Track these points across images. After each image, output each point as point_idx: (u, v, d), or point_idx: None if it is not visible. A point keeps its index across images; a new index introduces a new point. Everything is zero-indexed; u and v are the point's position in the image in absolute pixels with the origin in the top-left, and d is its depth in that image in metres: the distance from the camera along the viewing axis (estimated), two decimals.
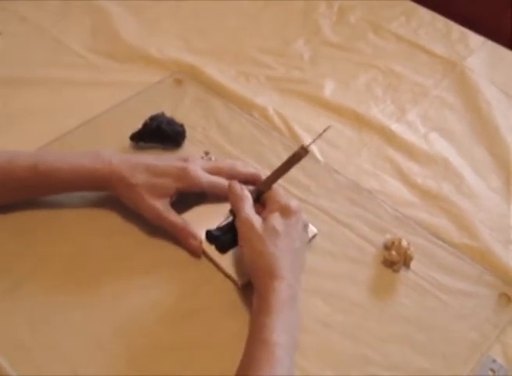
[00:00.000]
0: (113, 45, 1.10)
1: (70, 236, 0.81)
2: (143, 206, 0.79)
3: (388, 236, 0.84)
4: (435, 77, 1.13)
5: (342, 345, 0.74)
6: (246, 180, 0.84)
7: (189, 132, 0.94)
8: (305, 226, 0.79)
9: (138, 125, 0.92)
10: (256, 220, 0.75)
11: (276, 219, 0.75)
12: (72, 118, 0.95)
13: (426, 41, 1.19)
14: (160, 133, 0.91)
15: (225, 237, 0.79)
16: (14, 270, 0.76)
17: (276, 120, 1.00)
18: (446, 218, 0.89)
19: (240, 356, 0.67)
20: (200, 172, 0.81)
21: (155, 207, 0.79)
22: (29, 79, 1.02)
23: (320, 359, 0.73)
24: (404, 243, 0.82)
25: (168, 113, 0.94)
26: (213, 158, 0.91)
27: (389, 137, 1.00)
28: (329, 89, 1.07)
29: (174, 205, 0.81)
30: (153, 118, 0.92)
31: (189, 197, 0.83)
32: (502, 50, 1.20)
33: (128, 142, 0.92)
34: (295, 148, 0.77)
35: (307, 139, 0.96)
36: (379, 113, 1.04)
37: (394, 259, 0.81)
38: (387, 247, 0.83)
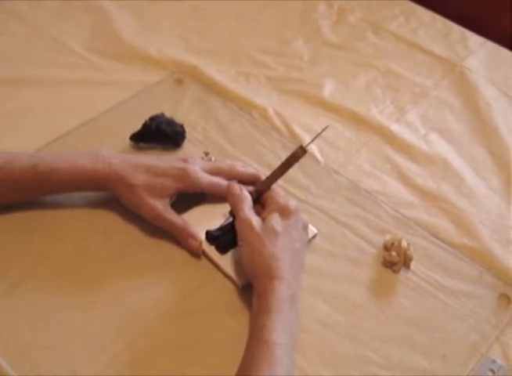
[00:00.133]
0: (113, 45, 1.10)
1: (69, 236, 0.81)
2: (143, 206, 0.79)
3: (388, 237, 0.84)
4: (435, 78, 1.13)
5: (342, 345, 0.74)
6: (246, 180, 0.84)
7: (188, 132, 0.94)
8: (304, 226, 0.79)
9: (137, 126, 0.92)
10: (255, 220, 0.75)
11: (275, 219, 0.75)
12: (72, 118, 0.95)
13: (425, 42, 1.19)
14: (160, 133, 0.91)
15: (225, 238, 0.79)
16: (13, 270, 0.76)
17: (276, 120, 1.00)
18: (446, 218, 0.89)
19: (240, 356, 0.67)
20: (199, 173, 0.81)
21: (155, 207, 0.79)
22: (29, 79, 1.02)
23: (320, 360, 0.73)
24: (404, 243, 0.82)
25: (168, 114, 0.94)
26: (213, 158, 0.91)
27: (389, 137, 1.00)
28: (328, 89, 1.07)
29: (174, 205, 0.81)
30: (152, 118, 0.92)
31: (188, 197, 0.83)
32: (501, 50, 1.20)
33: (127, 142, 0.92)
34: (294, 148, 0.77)
35: (306, 139, 0.96)
36: (378, 113, 1.04)
37: (394, 260, 0.81)
38: (387, 248, 0.83)
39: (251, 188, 0.81)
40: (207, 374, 0.69)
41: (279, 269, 0.71)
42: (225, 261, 0.79)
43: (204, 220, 0.81)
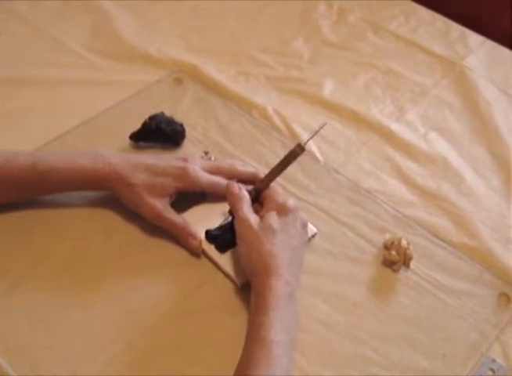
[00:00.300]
0: (113, 45, 1.10)
1: (69, 236, 0.81)
2: (143, 206, 0.79)
3: (388, 236, 0.84)
4: (435, 77, 1.13)
5: (342, 344, 0.74)
6: (246, 179, 0.84)
7: (188, 132, 0.94)
8: (304, 225, 0.79)
9: (137, 125, 0.92)
10: (253, 219, 0.75)
11: (273, 218, 0.75)
12: (71, 118, 0.95)
13: (425, 41, 1.19)
14: (160, 133, 0.91)
15: (225, 237, 0.79)
16: (13, 270, 0.76)
17: (276, 119, 1.00)
18: (446, 217, 0.89)
19: (240, 355, 0.67)
20: (199, 172, 0.81)
21: (155, 206, 0.79)
22: (28, 79, 1.02)
23: (320, 359, 0.73)
24: (404, 242, 0.82)
25: (168, 113, 0.94)
26: (212, 158, 0.91)
27: (388, 137, 1.00)
28: (328, 89, 1.07)
29: (173, 205, 0.81)
30: (152, 118, 0.92)
31: (188, 196, 0.82)
32: (501, 50, 1.20)
33: (127, 141, 0.92)
34: (298, 148, 0.77)
35: (306, 138, 0.95)
36: (378, 112, 1.04)
37: (394, 259, 0.81)
38: (387, 247, 0.83)
39: (251, 187, 0.81)
40: (207, 373, 0.69)
41: (277, 266, 0.71)
42: (225, 260, 0.79)
43: (204, 219, 0.81)
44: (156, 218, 0.79)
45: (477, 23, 1.24)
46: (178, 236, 0.80)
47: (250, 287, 0.73)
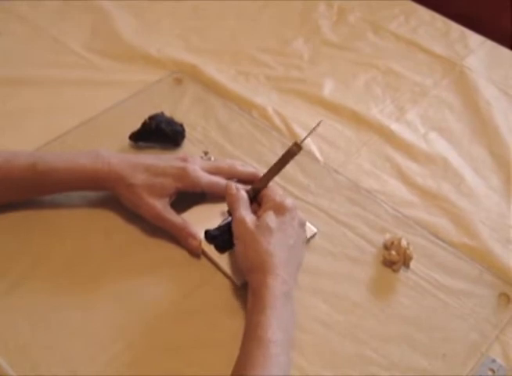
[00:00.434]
0: (113, 45, 1.10)
1: (69, 236, 0.81)
2: (143, 206, 0.79)
3: (388, 236, 0.84)
4: (435, 77, 1.13)
5: (342, 344, 0.74)
6: (246, 180, 0.84)
7: (188, 132, 0.94)
8: (302, 224, 0.79)
9: (137, 125, 0.92)
10: (249, 219, 0.75)
11: (270, 217, 0.75)
12: (71, 118, 0.95)
13: (425, 41, 1.19)
14: (160, 133, 0.91)
15: (224, 237, 0.79)
16: (13, 270, 0.76)
17: (276, 119, 1.00)
18: (446, 217, 0.89)
19: None
20: (199, 172, 0.81)
21: (154, 206, 0.79)
22: (28, 79, 1.02)
23: (320, 359, 0.73)
24: (403, 242, 0.82)
25: (168, 113, 0.94)
26: (212, 158, 0.91)
27: (388, 137, 1.00)
28: (328, 89, 1.07)
29: (173, 205, 0.81)
30: (152, 118, 0.92)
31: (188, 196, 0.82)
32: (501, 50, 1.20)
33: (127, 141, 0.92)
34: (295, 147, 0.77)
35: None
36: (378, 112, 1.04)
37: (394, 259, 0.81)
38: (387, 247, 0.83)
39: (250, 187, 0.81)
40: (206, 373, 0.69)
41: (274, 265, 0.71)
42: (225, 260, 0.79)
43: (204, 219, 0.81)
44: (156, 219, 0.79)
45: (477, 23, 1.24)
46: (177, 237, 0.80)
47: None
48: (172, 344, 0.72)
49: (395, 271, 0.82)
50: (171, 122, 0.93)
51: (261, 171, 0.85)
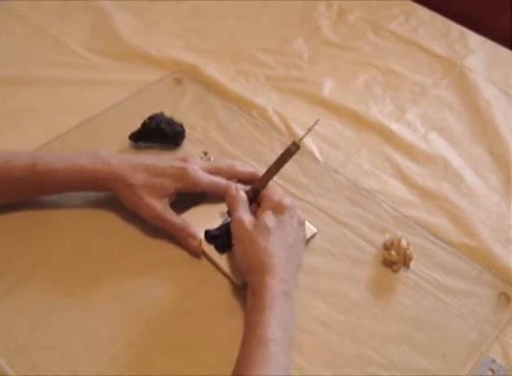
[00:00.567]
0: (113, 45, 1.10)
1: (69, 236, 0.81)
2: (142, 206, 0.79)
3: (388, 236, 0.84)
4: (434, 77, 1.13)
5: (342, 344, 0.74)
6: (246, 180, 0.84)
7: (188, 132, 0.94)
8: (301, 223, 0.79)
9: (137, 125, 0.92)
10: (247, 219, 0.75)
11: (268, 216, 0.75)
12: (71, 118, 0.95)
13: (425, 41, 1.19)
14: (160, 133, 0.91)
15: (224, 237, 0.79)
16: (13, 270, 0.76)
17: (276, 119, 1.00)
18: (446, 217, 0.89)
19: None
20: (199, 172, 0.81)
21: (154, 207, 0.79)
22: (28, 79, 1.02)
23: (320, 359, 0.73)
24: (403, 243, 0.82)
25: (167, 113, 0.94)
26: (212, 158, 0.91)
27: (388, 137, 1.00)
28: (328, 89, 1.07)
29: (173, 205, 0.81)
30: (152, 118, 0.92)
31: (188, 197, 0.82)
32: (501, 49, 1.20)
33: (127, 141, 0.92)
34: (293, 146, 0.77)
35: (305, 138, 0.95)
36: (378, 112, 1.04)
37: (394, 259, 0.81)
38: (387, 247, 0.83)
39: (249, 187, 0.81)
40: (206, 373, 0.69)
41: (273, 264, 0.71)
42: (225, 260, 0.79)
43: (204, 220, 0.81)
44: (156, 219, 0.79)
45: (477, 23, 1.24)
46: (177, 237, 0.80)
47: None
48: (172, 344, 0.72)
49: (395, 271, 0.82)
50: (170, 122, 0.93)
51: (261, 171, 0.85)
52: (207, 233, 0.80)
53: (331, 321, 0.76)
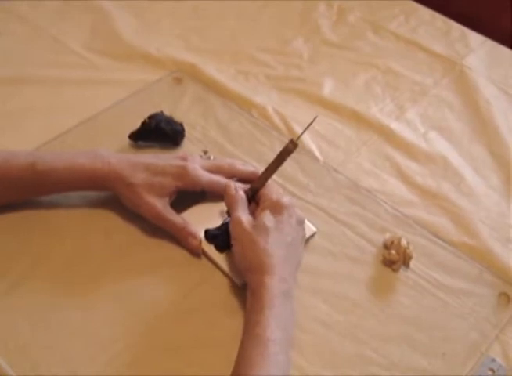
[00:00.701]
0: (113, 44, 1.10)
1: (69, 236, 0.81)
2: (142, 205, 0.79)
3: (388, 236, 0.84)
4: (435, 76, 1.13)
5: (342, 344, 0.74)
6: (246, 178, 0.84)
7: (188, 131, 0.94)
8: (300, 221, 0.79)
9: (137, 124, 0.92)
10: (246, 219, 0.75)
11: (267, 216, 0.75)
12: (71, 117, 0.95)
13: (425, 40, 1.19)
14: (159, 132, 0.91)
15: (224, 236, 0.79)
16: (13, 270, 0.76)
17: (275, 119, 1.00)
18: (446, 217, 0.89)
19: None
20: (199, 171, 0.81)
21: (154, 206, 0.79)
22: (28, 78, 1.02)
23: (320, 359, 0.73)
24: (403, 242, 0.82)
25: (167, 112, 0.94)
26: (211, 157, 0.91)
27: (388, 136, 1.00)
28: (328, 88, 1.07)
29: (173, 204, 0.81)
30: (152, 117, 0.92)
31: (187, 196, 0.82)
32: (501, 49, 1.20)
33: (126, 140, 0.92)
34: (291, 145, 0.77)
35: (305, 137, 0.96)
36: (378, 112, 1.04)
37: (394, 258, 0.81)
38: (387, 247, 0.83)
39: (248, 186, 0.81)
40: (206, 373, 0.69)
41: (272, 264, 0.71)
42: (225, 260, 0.79)
43: (204, 219, 0.81)
44: (156, 218, 0.79)
45: (477, 23, 1.24)
46: (177, 236, 0.80)
47: None
48: (172, 344, 0.72)
49: (395, 270, 0.82)
50: (170, 121, 0.93)
51: (261, 170, 0.85)
52: (207, 232, 0.80)
53: (331, 321, 0.76)
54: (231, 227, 0.76)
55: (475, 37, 1.21)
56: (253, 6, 1.24)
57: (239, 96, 1.03)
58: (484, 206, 0.91)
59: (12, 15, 1.14)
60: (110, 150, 0.82)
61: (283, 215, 0.76)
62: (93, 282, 0.77)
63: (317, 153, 0.96)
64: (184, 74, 1.06)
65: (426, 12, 1.26)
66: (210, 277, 0.78)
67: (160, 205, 0.79)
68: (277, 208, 0.76)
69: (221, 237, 0.79)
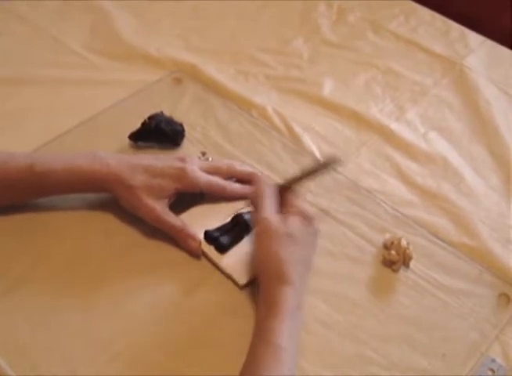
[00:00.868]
0: (112, 45, 1.10)
1: (69, 237, 0.81)
2: (142, 208, 0.78)
3: (388, 236, 0.84)
4: (434, 76, 1.13)
5: (342, 344, 0.74)
6: (244, 179, 0.84)
7: (188, 132, 0.94)
8: (317, 236, 0.78)
9: (137, 124, 0.92)
10: (276, 221, 0.73)
11: (297, 225, 0.74)
12: (71, 117, 0.95)
13: (425, 40, 1.19)
14: (159, 132, 0.91)
15: (224, 238, 0.79)
16: (13, 270, 0.76)
17: (275, 119, 1.00)
18: (446, 217, 0.89)
19: (240, 355, 0.66)
20: (198, 172, 0.81)
21: (154, 208, 0.78)
22: (28, 79, 1.02)
23: (320, 359, 0.73)
24: (403, 242, 0.82)
25: (167, 113, 0.94)
26: (210, 158, 0.91)
27: (388, 136, 1.00)
28: (328, 88, 1.07)
29: (172, 206, 0.81)
30: (151, 117, 0.92)
31: (186, 197, 0.82)
32: (501, 49, 1.20)
33: (126, 141, 0.92)
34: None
35: (306, 138, 0.96)
36: (378, 112, 1.04)
37: (394, 259, 0.81)
38: (387, 247, 0.83)
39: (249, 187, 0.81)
40: (207, 373, 0.69)
41: (292, 274, 0.70)
42: (225, 261, 0.79)
43: (203, 220, 0.81)
44: (155, 221, 0.79)
45: (477, 23, 1.24)
46: (176, 238, 0.80)
47: (249, 288, 0.73)
48: (172, 344, 0.72)
49: (395, 271, 0.82)
50: (170, 122, 0.93)
51: (261, 171, 0.86)
52: (206, 233, 0.80)
53: (331, 321, 0.76)
54: (258, 224, 0.74)
55: (475, 38, 1.21)
56: (253, 6, 1.24)
57: (239, 96, 1.03)
58: (484, 206, 0.91)
59: (12, 15, 1.14)
60: (110, 150, 0.83)
61: (309, 229, 0.75)
62: (93, 283, 0.77)
63: (317, 154, 0.96)
64: (184, 75, 1.06)
65: (426, 12, 1.26)
66: (210, 278, 0.78)
67: (159, 207, 0.79)
68: (306, 219, 0.75)
69: (221, 239, 0.79)
